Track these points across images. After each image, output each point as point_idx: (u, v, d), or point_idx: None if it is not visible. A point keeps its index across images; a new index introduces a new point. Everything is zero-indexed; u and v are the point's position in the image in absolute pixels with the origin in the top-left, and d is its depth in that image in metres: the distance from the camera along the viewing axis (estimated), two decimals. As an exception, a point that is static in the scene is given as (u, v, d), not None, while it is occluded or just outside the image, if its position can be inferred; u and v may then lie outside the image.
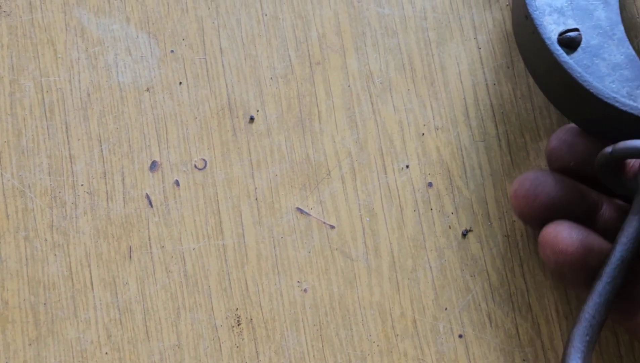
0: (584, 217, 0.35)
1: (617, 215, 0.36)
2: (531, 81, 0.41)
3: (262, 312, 0.39)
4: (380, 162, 0.40)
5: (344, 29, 0.41)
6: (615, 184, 0.35)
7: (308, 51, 0.41)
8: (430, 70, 0.41)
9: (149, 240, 0.39)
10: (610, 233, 0.35)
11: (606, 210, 0.36)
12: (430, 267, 0.39)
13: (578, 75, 0.35)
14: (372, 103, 0.41)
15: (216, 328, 0.38)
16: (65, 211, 0.39)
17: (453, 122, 0.40)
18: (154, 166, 0.40)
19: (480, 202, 0.40)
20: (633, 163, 0.36)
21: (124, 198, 0.40)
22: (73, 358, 0.38)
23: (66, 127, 0.40)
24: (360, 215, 0.40)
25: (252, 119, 0.40)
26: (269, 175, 0.40)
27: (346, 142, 0.40)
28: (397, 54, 0.41)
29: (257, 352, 0.38)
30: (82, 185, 0.40)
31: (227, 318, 0.39)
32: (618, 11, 0.37)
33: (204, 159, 0.40)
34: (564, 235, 0.35)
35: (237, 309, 0.39)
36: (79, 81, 0.41)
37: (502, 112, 0.41)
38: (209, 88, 0.41)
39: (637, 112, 0.34)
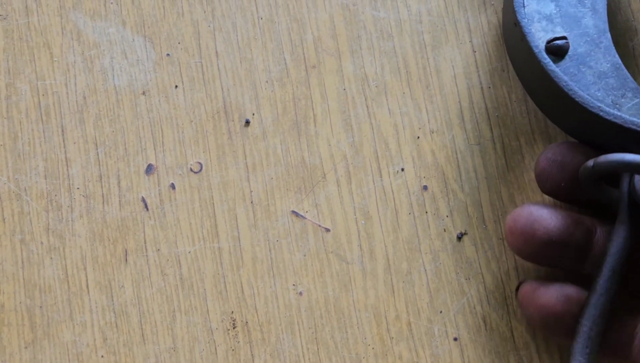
0: (581, 245, 0.36)
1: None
2: (526, 84, 0.42)
3: (257, 315, 0.39)
4: (375, 165, 0.41)
5: (340, 32, 0.42)
6: (600, 195, 0.36)
7: (303, 54, 0.42)
8: (426, 73, 0.42)
9: (145, 243, 0.40)
10: None
11: (600, 235, 0.36)
12: (425, 270, 0.40)
13: (564, 84, 0.36)
14: (367, 106, 0.41)
15: (212, 331, 0.39)
16: (61, 214, 0.40)
17: (448, 125, 0.41)
18: (149, 169, 0.41)
19: (475, 205, 0.40)
20: None
21: (119, 201, 0.40)
22: (69, 361, 0.39)
23: (62, 131, 0.41)
24: (356, 218, 0.40)
25: (247, 122, 0.41)
26: (265, 178, 0.41)
27: (341, 145, 0.41)
28: (392, 57, 0.42)
29: (252, 354, 0.39)
30: (78, 188, 0.40)
31: (222, 321, 0.39)
32: (606, 19, 0.38)
33: (199, 163, 0.41)
34: (542, 289, 0.36)
35: (232, 312, 0.39)
36: (75, 84, 0.41)
37: (497, 115, 0.41)
38: (205, 91, 0.41)
39: (621, 121, 0.35)
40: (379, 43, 0.42)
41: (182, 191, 0.40)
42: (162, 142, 0.41)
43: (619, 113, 0.35)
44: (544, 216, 0.36)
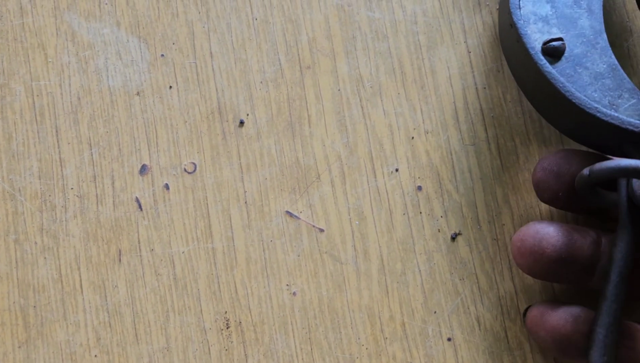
0: (589, 258, 0.37)
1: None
2: (521, 84, 0.42)
3: (251, 315, 0.40)
4: (369, 166, 0.41)
5: (334, 33, 0.43)
6: (598, 201, 0.36)
7: (298, 54, 0.42)
8: (421, 74, 0.42)
9: (139, 243, 0.40)
10: None
11: (606, 245, 0.37)
12: (420, 270, 0.40)
13: (560, 85, 0.36)
14: (362, 107, 0.42)
15: (205, 331, 0.40)
16: (55, 214, 0.41)
17: (443, 126, 0.42)
18: (143, 169, 0.41)
19: (469, 206, 0.41)
20: None
21: (113, 201, 0.41)
22: (62, 360, 0.39)
23: (56, 131, 0.41)
24: (350, 219, 0.41)
25: (242, 123, 0.42)
26: (259, 179, 0.41)
27: (336, 146, 0.41)
28: (387, 58, 0.42)
29: (245, 355, 0.39)
30: (72, 188, 0.41)
31: (216, 321, 0.40)
32: (602, 20, 0.39)
33: (193, 163, 0.41)
34: (550, 313, 0.37)
35: (226, 312, 0.40)
36: (70, 85, 0.42)
37: (492, 116, 0.42)
38: (199, 92, 0.42)
39: (617, 122, 0.36)
40: (373, 44, 0.43)
41: (176, 191, 0.41)
42: (156, 142, 0.41)
43: (616, 114, 0.36)
44: (550, 233, 0.37)
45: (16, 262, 0.40)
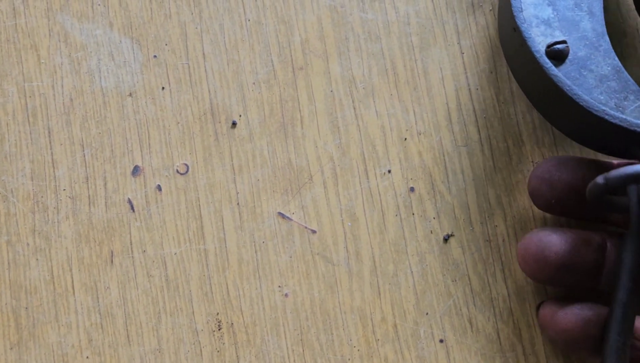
0: (594, 264, 0.37)
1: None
2: (514, 85, 0.43)
3: (242, 317, 0.40)
4: (362, 167, 0.42)
5: (327, 34, 0.43)
6: (608, 208, 0.37)
7: (291, 55, 0.43)
8: (413, 75, 0.43)
9: (131, 245, 0.41)
10: None
11: (611, 249, 0.38)
12: (412, 272, 0.41)
13: (568, 88, 0.37)
14: (354, 108, 0.42)
15: (197, 333, 0.40)
16: (48, 215, 0.41)
17: (435, 127, 0.42)
18: (136, 170, 0.42)
19: (462, 207, 0.41)
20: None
21: (106, 202, 0.41)
22: (54, 362, 0.40)
23: (49, 132, 0.42)
24: (342, 220, 0.41)
25: (234, 124, 0.42)
26: (251, 180, 0.42)
27: (328, 147, 0.42)
28: (380, 59, 0.43)
29: (237, 356, 0.40)
30: (64, 190, 0.41)
31: (208, 322, 0.40)
32: (603, 22, 0.39)
33: (186, 164, 0.42)
34: (560, 313, 0.37)
35: (218, 313, 0.40)
36: (62, 86, 0.42)
37: (484, 117, 0.42)
38: (192, 93, 0.42)
39: (626, 124, 0.36)
40: (366, 45, 0.43)
41: (168, 192, 0.42)
42: (149, 144, 0.42)
43: (624, 116, 0.36)
44: (553, 241, 0.37)
45: (8, 263, 0.41)
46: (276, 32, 0.43)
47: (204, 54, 0.43)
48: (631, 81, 0.38)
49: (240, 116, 0.42)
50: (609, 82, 0.38)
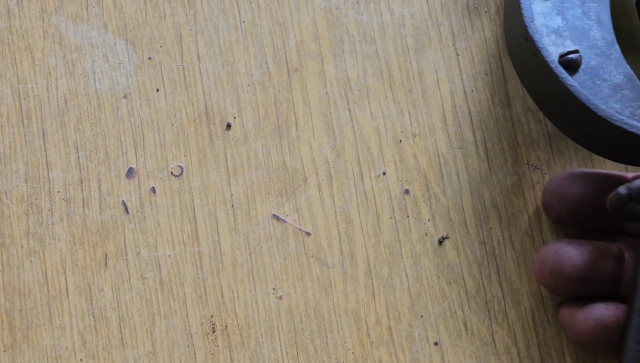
0: (612, 275, 0.38)
1: None
2: (510, 87, 0.43)
3: (237, 319, 0.41)
4: (357, 169, 0.42)
5: (322, 35, 0.44)
6: (630, 217, 0.37)
7: (286, 57, 0.43)
8: (408, 77, 0.43)
9: (125, 247, 0.41)
10: None
11: (630, 259, 0.38)
12: (406, 274, 0.41)
13: (585, 98, 0.37)
14: (349, 110, 0.43)
15: (191, 335, 0.41)
16: (42, 217, 0.42)
17: (430, 129, 0.43)
18: (130, 173, 0.42)
19: (457, 209, 0.42)
20: None
21: (100, 204, 0.42)
22: (48, 364, 0.40)
23: (43, 134, 0.42)
24: (337, 222, 0.42)
25: (229, 126, 0.43)
26: (246, 182, 0.42)
27: (323, 149, 0.42)
28: (375, 60, 0.43)
29: (231, 359, 0.40)
30: (58, 192, 0.42)
31: (202, 325, 0.41)
32: (612, 30, 0.39)
33: (180, 166, 0.42)
34: (578, 315, 0.38)
35: (212, 316, 0.41)
36: (57, 87, 0.43)
37: (479, 119, 0.43)
38: (186, 95, 0.43)
39: None
40: (361, 46, 0.44)
41: (162, 194, 0.42)
42: (143, 146, 0.42)
43: None
44: (569, 253, 0.38)
45: (2, 266, 0.41)
46: (271, 33, 0.44)
47: (198, 55, 0.43)
48: None
49: (234, 117, 0.43)
50: (622, 91, 0.38)
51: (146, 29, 0.44)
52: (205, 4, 0.44)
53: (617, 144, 0.38)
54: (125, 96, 0.43)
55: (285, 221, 0.42)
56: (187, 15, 0.44)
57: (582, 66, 0.39)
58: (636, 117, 0.38)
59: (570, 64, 0.38)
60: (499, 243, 0.42)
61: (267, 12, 0.44)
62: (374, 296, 0.41)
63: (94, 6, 0.44)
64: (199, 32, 0.44)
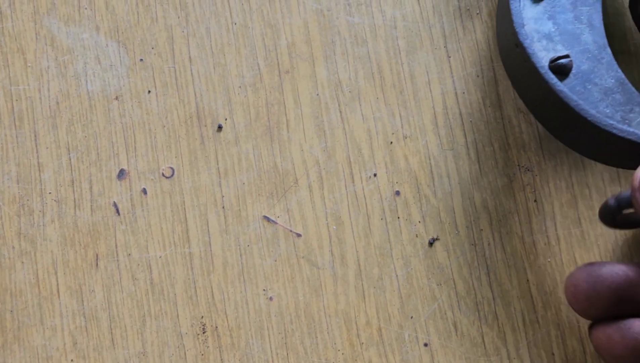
0: None
1: None
2: (501, 89, 0.44)
3: (227, 320, 0.41)
4: (348, 170, 0.43)
5: (314, 37, 0.44)
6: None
7: (277, 59, 0.44)
8: (400, 78, 0.44)
9: (116, 248, 0.42)
10: None
11: None
12: (397, 275, 0.42)
13: (574, 103, 0.37)
14: (340, 112, 0.43)
15: (181, 336, 0.41)
16: (33, 219, 0.42)
17: (422, 130, 0.43)
18: (121, 174, 0.43)
19: (447, 211, 0.42)
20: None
21: (91, 206, 0.42)
22: (38, 365, 0.41)
23: (35, 136, 0.43)
24: (327, 223, 0.42)
25: (220, 127, 0.43)
26: (237, 183, 0.43)
27: (314, 150, 0.43)
28: (366, 62, 0.44)
29: (222, 359, 0.41)
30: (50, 193, 0.42)
31: (192, 326, 0.41)
32: (604, 33, 0.40)
33: (171, 168, 0.43)
34: (616, 339, 0.36)
35: (202, 317, 0.41)
36: (49, 89, 0.44)
37: (470, 121, 0.43)
38: (178, 97, 0.44)
39: (634, 138, 0.37)
40: (353, 48, 0.44)
41: (153, 196, 0.43)
42: (135, 147, 0.43)
43: (632, 130, 0.37)
44: (604, 275, 0.37)
45: (-7, 266, 0.42)
46: (262, 35, 0.44)
47: (190, 57, 0.44)
48: (635, 92, 0.39)
49: (226, 119, 0.43)
50: (613, 95, 0.39)
51: (138, 31, 0.44)
52: (197, 6, 0.44)
53: (607, 148, 0.39)
54: (117, 98, 0.44)
55: (275, 223, 0.42)
56: (178, 17, 0.44)
57: (573, 71, 0.39)
58: (627, 121, 0.38)
59: (561, 69, 0.39)
60: (489, 244, 0.42)
61: (259, 14, 0.44)
62: (364, 298, 0.42)
63: (86, 8, 0.44)
64: (190, 34, 0.44)
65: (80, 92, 0.44)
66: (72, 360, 0.41)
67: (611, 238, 0.42)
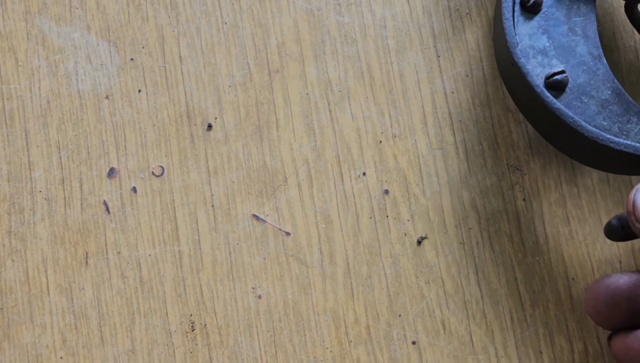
0: None
1: None
2: (490, 89, 0.44)
3: (216, 318, 0.42)
4: (337, 169, 0.43)
5: (304, 37, 0.45)
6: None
7: (267, 59, 0.45)
8: (389, 78, 0.45)
9: (106, 246, 0.43)
10: None
11: None
12: (385, 274, 0.42)
13: (571, 121, 0.38)
14: (330, 111, 0.44)
15: (170, 334, 0.42)
16: (24, 217, 0.43)
17: (411, 130, 0.44)
18: (111, 172, 0.43)
19: (436, 209, 0.43)
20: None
21: (81, 204, 0.43)
22: (28, 362, 0.41)
23: (26, 135, 0.44)
24: (316, 222, 0.43)
25: (210, 126, 0.44)
26: (226, 182, 0.43)
27: (303, 149, 0.44)
28: (356, 62, 0.45)
29: (210, 357, 0.42)
30: (40, 191, 0.43)
31: (181, 323, 0.42)
32: (599, 44, 0.40)
33: (161, 166, 0.44)
34: (635, 348, 0.37)
35: (191, 315, 0.42)
36: (39, 88, 0.44)
37: (460, 120, 0.44)
38: (168, 96, 0.44)
39: (632, 150, 0.38)
40: (342, 48, 0.45)
41: (143, 194, 0.43)
42: (125, 146, 0.44)
43: (630, 143, 0.38)
44: (622, 286, 0.38)
45: (-17, 264, 0.42)
46: (253, 35, 0.45)
47: (180, 57, 0.45)
48: (632, 102, 0.39)
49: (215, 118, 0.44)
50: (610, 107, 0.40)
51: (129, 31, 0.45)
52: (188, 5, 0.45)
53: (606, 160, 0.40)
54: (107, 97, 0.44)
55: (265, 221, 0.43)
56: (169, 17, 0.45)
57: (569, 85, 0.40)
58: (625, 132, 0.39)
59: (557, 85, 0.39)
60: (477, 243, 0.43)
61: (249, 14, 0.45)
62: (353, 296, 0.42)
63: (77, 8, 0.45)
64: (181, 33, 0.45)
65: (71, 91, 0.44)
66: (61, 358, 0.42)
67: (599, 237, 0.43)
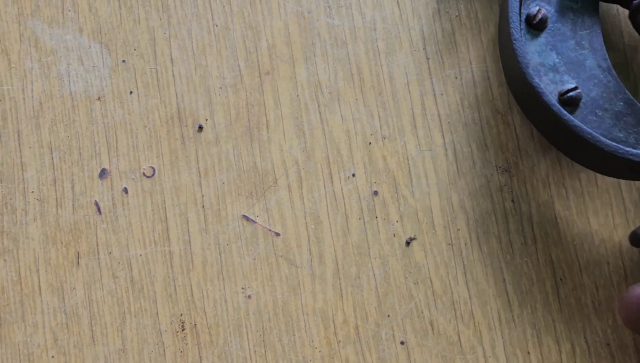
0: None
1: None
2: (479, 91, 0.45)
3: (206, 318, 0.43)
4: (326, 170, 0.44)
5: (294, 39, 0.46)
6: None
7: (258, 61, 0.46)
8: (379, 80, 0.45)
9: (97, 246, 0.43)
10: None
11: None
12: (374, 274, 0.43)
13: (589, 136, 0.39)
14: (320, 112, 0.45)
15: (161, 333, 0.43)
16: (16, 217, 0.44)
17: (400, 131, 0.45)
18: (103, 173, 0.44)
19: (425, 210, 0.44)
20: None
21: (73, 204, 0.44)
22: (20, 361, 0.42)
23: (18, 136, 0.45)
24: (306, 223, 0.44)
25: (200, 128, 0.45)
26: (217, 183, 0.44)
27: (293, 151, 0.44)
28: (346, 64, 0.45)
29: (200, 356, 0.42)
30: (32, 192, 0.44)
31: (171, 323, 0.43)
32: (606, 56, 0.41)
33: (152, 167, 0.44)
34: None
35: (181, 314, 0.43)
36: (32, 90, 0.45)
37: (449, 122, 0.45)
38: (159, 97, 0.45)
39: None
40: (332, 50, 0.46)
41: (134, 195, 0.44)
42: (116, 147, 0.45)
43: None
44: None
45: (-25, 264, 0.43)
46: (243, 37, 0.46)
47: (172, 59, 0.46)
48: None
49: (206, 120, 0.45)
50: (625, 118, 0.40)
51: (120, 33, 0.46)
52: (179, 8, 0.46)
53: (625, 171, 0.40)
54: (99, 98, 0.45)
55: (255, 222, 0.44)
56: (161, 19, 0.46)
57: (582, 100, 0.41)
58: None
59: (571, 101, 0.40)
60: (466, 244, 0.43)
61: (240, 16, 0.46)
62: (342, 296, 0.43)
63: (69, 10, 0.46)
64: (172, 35, 0.46)
65: (63, 92, 0.45)
66: (52, 357, 0.42)
67: (587, 238, 0.44)
